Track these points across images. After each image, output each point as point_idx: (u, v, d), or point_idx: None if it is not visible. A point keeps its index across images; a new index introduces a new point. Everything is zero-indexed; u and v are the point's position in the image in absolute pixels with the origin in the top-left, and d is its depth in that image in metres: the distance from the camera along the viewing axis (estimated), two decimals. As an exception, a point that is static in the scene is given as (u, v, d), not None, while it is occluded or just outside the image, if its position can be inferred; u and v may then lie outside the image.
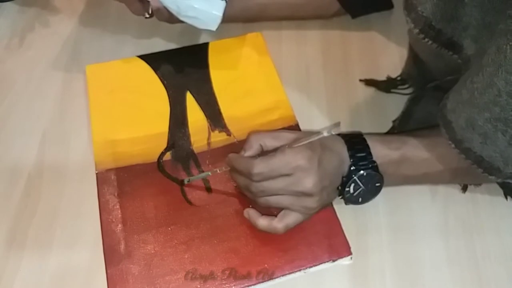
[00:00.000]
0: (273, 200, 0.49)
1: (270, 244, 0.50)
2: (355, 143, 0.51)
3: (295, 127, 0.60)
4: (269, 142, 0.50)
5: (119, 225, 0.52)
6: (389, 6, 0.72)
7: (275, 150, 0.49)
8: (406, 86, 0.63)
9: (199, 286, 0.48)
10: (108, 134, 0.60)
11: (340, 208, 0.53)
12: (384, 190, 0.55)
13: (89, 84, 0.65)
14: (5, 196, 0.56)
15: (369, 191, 0.51)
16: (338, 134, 0.50)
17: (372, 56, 0.69)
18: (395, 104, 0.61)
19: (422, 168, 0.52)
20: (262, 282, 0.49)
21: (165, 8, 0.62)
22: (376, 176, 0.50)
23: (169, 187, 0.55)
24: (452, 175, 0.52)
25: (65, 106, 0.65)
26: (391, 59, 0.68)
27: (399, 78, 0.64)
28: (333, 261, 0.50)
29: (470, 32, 0.45)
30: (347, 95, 0.64)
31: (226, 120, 0.61)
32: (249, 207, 0.53)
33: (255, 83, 0.65)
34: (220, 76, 0.66)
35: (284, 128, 0.60)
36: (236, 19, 0.70)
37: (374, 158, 0.50)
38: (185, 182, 0.55)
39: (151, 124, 0.61)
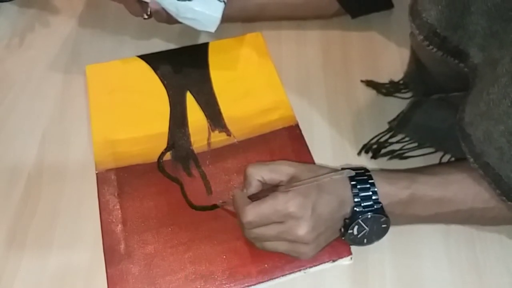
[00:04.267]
0: (269, 246, 0.47)
1: (270, 244, 0.50)
2: (359, 181, 0.47)
3: (295, 127, 0.60)
4: (267, 176, 0.48)
5: (119, 225, 0.52)
6: (389, 5, 0.72)
7: (273, 187, 0.47)
8: (407, 90, 0.63)
9: (199, 286, 0.48)
10: (108, 134, 0.60)
11: (340, 208, 0.53)
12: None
13: (89, 84, 0.66)
14: (5, 196, 0.56)
15: (375, 233, 0.48)
16: (342, 169, 0.47)
17: (372, 56, 0.69)
18: (395, 105, 0.61)
19: (433, 208, 0.48)
20: (262, 282, 0.49)
21: (163, 9, 0.62)
22: (381, 217, 0.47)
23: (169, 187, 0.55)
24: (467, 215, 0.49)
25: (65, 106, 0.65)
26: (391, 59, 0.68)
27: (401, 82, 0.64)
28: (333, 261, 0.50)
29: (477, 41, 0.45)
30: (347, 95, 0.64)
31: (226, 120, 0.61)
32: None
33: (255, 83, 0.65)
34: (220, 76, 0.66)
35: (284, 128, 0.60)
36: (235, 19, 0.70)
37: (380, 199, 0.47)
38: (219, 205, 0.54)
39: (151, 124, 0.61)
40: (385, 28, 0.72)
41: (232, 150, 0.59)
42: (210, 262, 0.50)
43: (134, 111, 0.62)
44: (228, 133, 0.60)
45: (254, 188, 0.48)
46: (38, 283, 0.50)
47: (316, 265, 0.49)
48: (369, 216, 0.46)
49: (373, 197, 0.46)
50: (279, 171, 0.48)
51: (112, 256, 0.50)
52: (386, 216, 0.47)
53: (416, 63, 0.59)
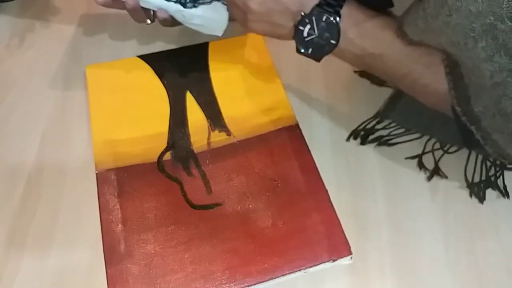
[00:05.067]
0: None
1: (270, 244, 0.51)
2: None
3: (295, 127, 0.60)
4: None
5: (119, 225, 0.52)
6: (389, 5, 0.72)
7: None
8: None
9: (199, 286, 0.48)
10: (108, 134, 0.60)
11: (340, 208, 0.53)
12: (384, 189, 0.55)
13: (89, 84, 0.65)
14: (5, 196, 0.56)
15: (321, 45, 0.50)
16: None
17: (372, 56, 0.69)
18: (395, 104, 0.62)
19: (382, 48, 0.49)
20: (262, 282, 0.49)
21: (171, 16, 0.62)
22: (334, 28, 0.49)
23: (169, 187, 0.55)
24: (406, 70, 0.49)
25: (65, 106, 0.65)
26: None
27: None
28: (333, 261, 0.50)
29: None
30: (347, 95, 0.64)
31: (226, 120, 0.61)
32: (249, 207, 0.53)
33: (255, 83, 0.65)
34: (220, 76, 0.66)
35: (284, 128, 0.60)
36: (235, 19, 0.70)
37: (342, 12, 0.49)
38: None
39: (151, 124, 0.61)
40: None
41: (232, 150, 0.58)
42: (210, 262, 0.50)
43: (134, 111, 0.62)
44: (228, 133, 0.60)
45: None
46: (38, 283, 0.50)
47: (316, 265, 0.49)
48: (323, 18, 0.48)
49: (337, 8, 0.48)
50: None
51: (112, 256, 0.50)
52: (338, 30, 0.48)
53: None
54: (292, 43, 0.70)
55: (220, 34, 0.64)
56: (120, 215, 0.53)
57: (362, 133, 0.60)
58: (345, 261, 0.50)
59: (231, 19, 0.63)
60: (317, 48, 0.51)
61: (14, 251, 0.52)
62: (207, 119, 0.62)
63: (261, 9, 0.50)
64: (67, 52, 0.71)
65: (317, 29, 0.49)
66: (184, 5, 0.61)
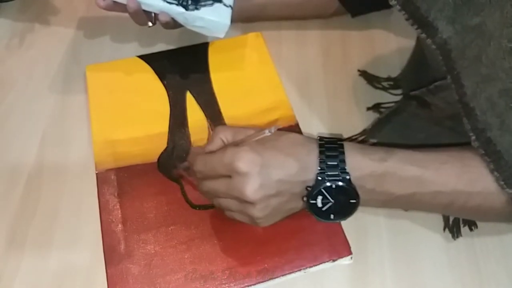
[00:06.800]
0: (222, 203, 0.46)
1: (270, 244, 0.50)
2: (329, 149, 0.44)
3: (295, 127, 0.60)
4: (230, 137, 0.47)
5: (119, 225, 0.52)
6: (389, 5, 0.72)
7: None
8: (398, 88, 0.63)
9: (199, 286, 0.48)
10: (108, 134, 0.60)
11: (340, 208, 0.53)
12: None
13: (89, 84, 0.66)
14: (5, 196, 0.56)
15: (342, 208, 0.45)
16: (319, 137, 0.46)
17: (372, 56, 0.69)
18: (395, 104, 0.61)
19: (411, 187, 0.44)
20: (262, 282, 0.49)
21: (172, 19, 0.62)
22: (348, 190, 0.44)
23: (169, 187, 0.55)
24: (448, 199, 0.45)
25: (65, 106, 0.65)
26: (391, 58, 0.68)
27: (398, 79, 0.64)
28: (333, 261, 0.50)
29: (447, 13, 0.43)
30: (347, 95, 0.64)
31: (226, 120, 0.61)
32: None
33: (255, 83, 0.65)
34: (220, 76, 0.66)
35: (284, 128, 0.60)
36: (234, 19, 0.70)
37: (348, 169, 0.43)
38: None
39: (151, 124, 0.61)
40: (385, 27, 0.72)
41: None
42: (210, 262, 0.50)
43: (134, 111, 0.62)
44: (228, 133, 0.60)
45: (214, 145, 0.47)
46: (38, 283, 0.50)
47: (316, 265, 0.49)
48: (333, 186, 0.43)
49: (340, 167, 0.43)
50: (243, 132, 0.47)
51: (112, 256, 0.50)
52: (353, 189, 0.44)
53: (418, 56, 0.58)
54: (291, 43, 0.71)
55: (222, 36, 0.64)
56: (120, 215, 0.53)
57: None
58: (345, 261, 0.50)
59: (232, 21, 0.63)
60: (338, 213, 0.45)
61: (14, 251, 0.52)
62: (207, 119, 0.62)
63: (266, 211, 0.44)
64: (67, 52, 0.71)
65: (331, 196, 0.44)
66: (186, 7, 0.61)
